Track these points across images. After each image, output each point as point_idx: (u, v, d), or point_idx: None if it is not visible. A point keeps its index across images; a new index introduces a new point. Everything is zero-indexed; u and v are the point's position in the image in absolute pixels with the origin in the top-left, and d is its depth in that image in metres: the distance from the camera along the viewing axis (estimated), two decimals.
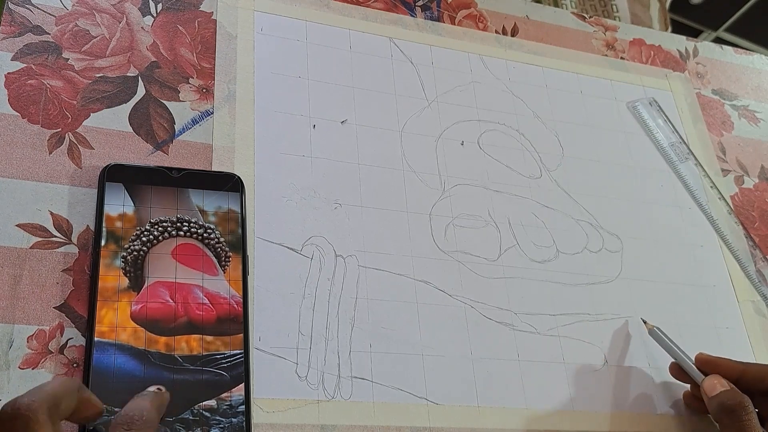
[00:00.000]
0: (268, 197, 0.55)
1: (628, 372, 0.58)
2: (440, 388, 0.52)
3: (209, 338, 0.46)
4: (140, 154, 0.53)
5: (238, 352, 0.47)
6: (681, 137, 0.73)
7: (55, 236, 0.48)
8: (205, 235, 0.49)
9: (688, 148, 0.72)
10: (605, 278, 0.62)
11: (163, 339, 0.45)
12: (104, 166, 0.50)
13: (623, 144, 0.71)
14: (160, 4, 0.59)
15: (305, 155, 0.58)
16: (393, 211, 0.58)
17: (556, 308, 0.59)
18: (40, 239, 0.48)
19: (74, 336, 0.45)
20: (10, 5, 0.55)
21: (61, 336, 0.45)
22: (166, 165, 0.52)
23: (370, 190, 0.58)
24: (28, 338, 0.45)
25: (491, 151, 0.64)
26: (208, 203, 0.51)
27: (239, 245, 0.50)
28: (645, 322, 0.60)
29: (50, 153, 0.50)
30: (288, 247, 0.54)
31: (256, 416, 0.47)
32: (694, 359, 0.56)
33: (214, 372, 0.45)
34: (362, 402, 0.50)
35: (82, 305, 0.46)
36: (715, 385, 0.53)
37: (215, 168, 0.54)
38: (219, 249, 0.49)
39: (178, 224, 0.49)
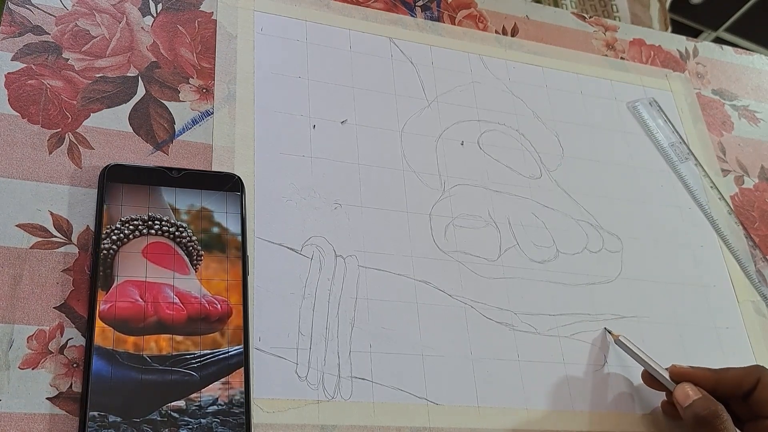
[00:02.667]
0: (268, 197, 0.55)
1: (628, 372, 0.58)
2: (440, 388, 0.52)
3: (179, 338, 0.46)
4: (140, 154, 0.53)
5: (209, 352, 0.46)
6: (681, 137, 0.73)
7: (55, 236, 0.48)
8: (176, 233, 0.49)
9: (688, 148, 0.72)
10: (605, 278, 0.62)
11: (131, 339, 0.45)
12: (104, 166, 0.50)
13: (623, 144, 0.71)
14: (160, 4, 0.59)
15: (305, 155, 0.58)
16: (393, 211, 0.58)
17: (556, 308, 0.59)
18: (40, 239, 0.48)
19: (74, 336, 0.45)
20: (10, 5, 0.55)
21: (61, 336, 0.45)
22: (166, 165, 0.52)
23: (370, 190, 0.58)
24: (28, 338, 0.45)
25: (491, 151, 0.64)
26: (181, 201, 0.50)
27: (212, 244, 0.49)
28: (610, 332, 0.58)
29: (50, 153, 0.50)
30: (288, 247, 0.54)
31: (256, 416, 0.47)
32: (664, 367, 0.55)
33: (184, 372, 0.45)
34: (362, 402, 0.50)
35: (82, 305, 0.46)
36: (688, 393, 0.52)
37: (215, 168, 0.54)
38: (191, 248, 0.49)
39: (150, 222, 0.48)
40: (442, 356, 0.54)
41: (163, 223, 0.49)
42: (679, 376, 0.54)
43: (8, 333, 0.44)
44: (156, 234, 0.48)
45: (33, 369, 0.44)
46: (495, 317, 0.57)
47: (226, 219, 0.50)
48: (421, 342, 0.54)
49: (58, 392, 0.44)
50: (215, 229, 0.50)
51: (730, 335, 0.64)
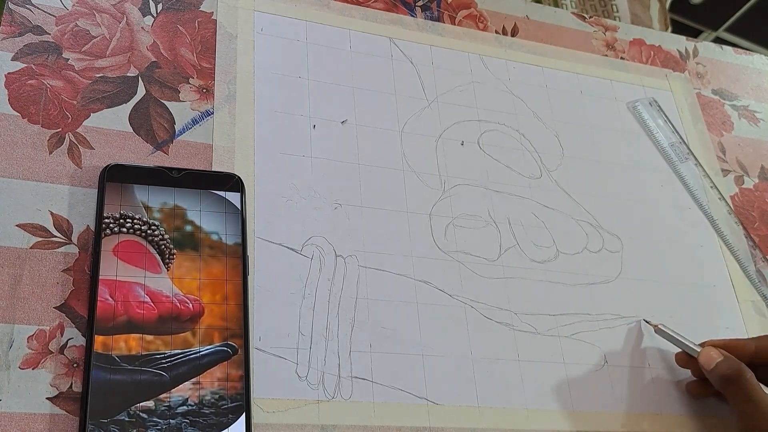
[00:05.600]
0: (268, 197, 0.55)
1: (628, 372, 0.58)
2: (440, 388, 0.52)
3: (149, 338, 0.45)
4: (140, 154, 0.53)
5: (179, 351, 0.45)
6: (681, 137, 0.73)
7: (55, 236, 0.48)
8: (149, 231, 0.48)
9: (688, 148, 0.72)
10: (605, 278, 0.62)
11: (100, 338, 0.44)
12: (104, 166, 0.50)
13: (623, 144, 0.71)
14: (160, 4, 0.59)
15: (305, 155, 0.58)
16: (393, 211, 0.58)
17: (556, 308, 0.59)
18: (40, 239, 0.48)
19: (74, 336, 0.45)
20: (10, 5, 0.55)
21: (62, 336, 0.45)
22: (166, 165, 0.52)
23: (370, 190, 0.58)
24: (28, 338, 0.45)
25: (491, 151, 0.64)
26: (154, 199, 0.49)
27: (185, 242, 0.49)
28: (648, 322, 0.60)
29: (50, 153, 0.50)
30: (288, 247, 0.54)
31: (256, 416, 0.47)
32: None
33: (153, 372, 0.44)
34: (362, 402, 0.50)
35: (82, 305, 0.46)
36: (711, 356, 0.55)
37: (215, 168, 0.54)
38: (163, 246, 0.48)
39: (122, 220, 0.48)
40: (442, 356, 0.54)
41: (135, 221, 0.48)
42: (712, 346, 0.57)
43: (8, 333, 0.44)
44: (128, 232, 0.48)
45: (33, 369, 0.44)
46: (495, 317, 0.57)
47: (199, 217, 0.50)
48: (421, 342, 0.54)
49: (58, 392, 0.44)
50: (188, 228, 0.50)
51: (730, 335, 0.64)
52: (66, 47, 0.54)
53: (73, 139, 0.51)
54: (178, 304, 0.47)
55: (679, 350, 0.59)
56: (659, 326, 0.59)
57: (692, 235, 0.68)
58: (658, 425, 0.57)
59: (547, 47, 0.73)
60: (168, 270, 0.48)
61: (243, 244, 0.50)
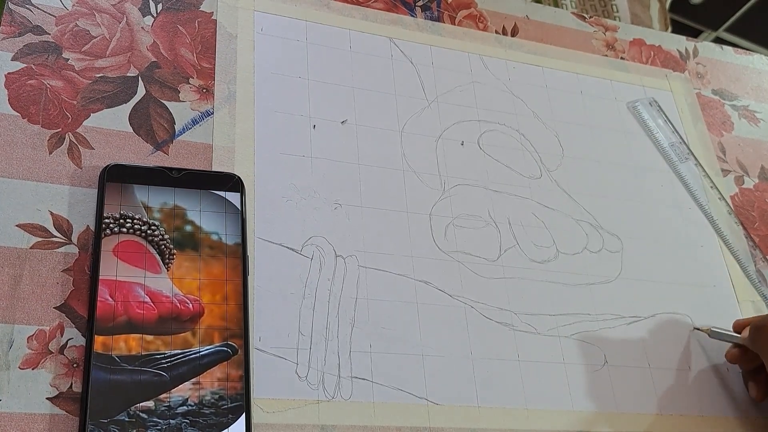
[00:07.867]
0: (268, 197, 0.55)
1: (628, 372, 0.58)
2: (440, 388, 0.52)
3: (149, 338, 0.45)
4: (140, 155, 0.53)
5: (179, 352, 0.45)
6: (681, 137, 0.73)
7: (55, 236, 0.48)
8: (149, 231, 0.48)
9: (688, 148, 0.72)
10: (605, 278, 0.62)
11: (100, 338, 0.44)
12: (104, 166, 0.50)
13: (623, 144, 0.71)
14: (160, 4, 0.59)
15: (305, 155, 0.58)
16: (393, 211, 0.58)
17: (556, 308, 0.59)
18: (40, 239, 0.48)
19: (74, 336, 0.45)
20: (10, 5, 0.55)
21: (61, 336, 0.45)
22: (166, 165, 0.52)
23: (370, 190, 0.58)
24: (28, 338, 0.45)
25: (491, 151, 0.64)
26: (154, 199, 0.49)
27: (185, 243, 0.49)
28: (699, 329, 0.62)
29: (50, 153, 0.50)
30: (288, 247, 0.54)
31: (256, 416, 0.47)
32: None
33: (153, 372, 0.44)
34: (362, 402, 0.50)
35: (82, 305, 0.46)
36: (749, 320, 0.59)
37: (215, 168, 0.54)
38: (163, 246, 0.48)
39: (122, 220, 0.48)
40: (442, 356, 0.54)
41: (135, 221, 0.48)
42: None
43: (8, 333, 0.44)
44: (127, 232, 0.48)
45: (33, 369, 0.44)
46: (495, 317, 0.57)
47: (199, 217, 0.50)
48: (421, 342, 0.54)
49: (58, 392, 0.44)
50: (188, 228, 0.49)
51: None
52: (66, 47, 0.54)
53: (73, 139, 0.51)
54: (178, 305, 0.47)
55: (728, 348, 0.60)
56: (711, 329, 0.61)
57: (692, 235, 0.68)
58: (660, 425, 0.57)
59: (547, 47, 0.73)
60: (168, 270, 0.48)
61: (243, 244, 0.50)
